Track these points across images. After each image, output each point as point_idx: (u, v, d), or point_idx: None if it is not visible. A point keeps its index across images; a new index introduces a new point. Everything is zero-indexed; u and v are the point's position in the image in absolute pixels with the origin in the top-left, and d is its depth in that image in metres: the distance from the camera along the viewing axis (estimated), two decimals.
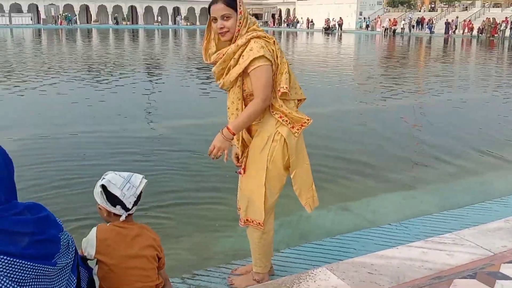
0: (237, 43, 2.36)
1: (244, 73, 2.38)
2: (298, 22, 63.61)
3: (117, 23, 63.48)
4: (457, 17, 46.10)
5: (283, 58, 2.46)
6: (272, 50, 2.40)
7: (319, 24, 56.98)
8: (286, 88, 2.44)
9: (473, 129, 7.52)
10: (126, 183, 2.01)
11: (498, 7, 52.58)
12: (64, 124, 7.44)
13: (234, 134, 2.41)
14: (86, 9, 67.01)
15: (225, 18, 2.35)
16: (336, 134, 7.08)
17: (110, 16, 66.92)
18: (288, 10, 72.60)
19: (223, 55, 2.38)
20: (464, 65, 19.89)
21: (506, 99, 10.71)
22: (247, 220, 2.65)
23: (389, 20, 49.09)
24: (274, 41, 2.44)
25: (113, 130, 7.09)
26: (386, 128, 7.56)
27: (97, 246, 1.99)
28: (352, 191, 4.74)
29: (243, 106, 2.45)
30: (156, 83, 12.81)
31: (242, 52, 2.35)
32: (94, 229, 2.05)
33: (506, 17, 41.71)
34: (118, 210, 2.02)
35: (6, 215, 1.58)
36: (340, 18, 56.20)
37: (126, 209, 2.02)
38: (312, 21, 59.64)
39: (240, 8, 2.36)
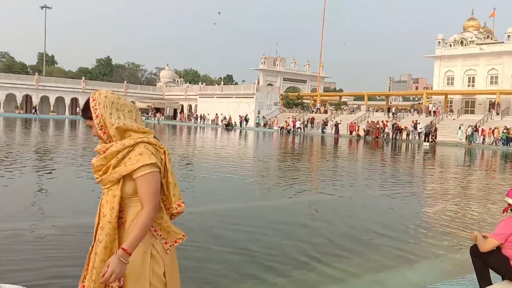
0: (123, 142, 2.27)
1: (127, 176, 2.27)
2: (202, 118, 65.42)
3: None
4: (367, 120, 49.99)
5: (171, 169, 2.40)
6: (161, 159, 2.34)
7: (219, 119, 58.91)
8: (179, 206, 2.43)
9: (362, 226, 7.81)
10: None
11: (382, 111, 58.26)
12: None
13: (130, 254, 2.18)
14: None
15: (90, 127, 2.39)
16: (220, 233, 6.95)
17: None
18: (190, 106, 74.45)
19: (106, 149, 2.29)
20: (359, 164, 21.26)
21: (391, 198, 11.45)
22: None
23: (286, 121, 52.23)
24: (165, 150, 2.37)
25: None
26: (276, 227, 7.59)
27: None
28: None
29: (118, 206, 2.26)
30: (47, 176, 12.05)
31: (127, 153, 2.26)
32: None
33: (383, 121, 46.18)
34: None
35: None
36: (240, 116, 58.82)
37: None
38: (220, 116, 61.49)
39: (96, 112, 2.32)
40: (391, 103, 69.76)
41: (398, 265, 5.81)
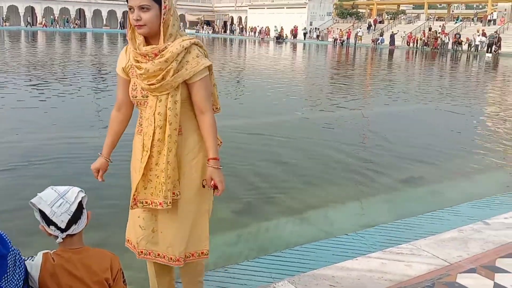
0: (180, 44, 2.06)
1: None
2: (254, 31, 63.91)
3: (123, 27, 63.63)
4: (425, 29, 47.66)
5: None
6: None
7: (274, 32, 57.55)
8: (219, 107, 2.38)
9: (421, 139, 7.73)
10: (59, 199, 1.78)
11: (442, 20, 54.89)
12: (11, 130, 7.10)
13: (219, 159, 2.19)
14: (31, 10, 64.69)
15: (143, 9, 2.01)
16: (285, 144, 7.06)
17: (56, 18, 64.75)
18: (240, 18, 72.94)
19: (160, 51, 2.04)
20: (410, 77, 20.54)
21: (450, 111, 11.14)
22: (186, 256, 2.28)
23: (340, 30, 50.32)
24: (207, 52, 2.24)
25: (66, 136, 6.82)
26: (335, 138, 7.63)
27: (40, 279, 1.79)
28: (308, 202, 4.74)
29: (178, 112, 2.11)
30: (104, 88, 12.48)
31: (184, 55, 2.08)
32: (40, 258, 1.82)
33: (443, 30, 43.51)
34: (53, 230, 1.79)
35: None
36: (296, 27, 57.07)
37: (61, 230, 1.79)
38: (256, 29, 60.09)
39: (165, 2, 2.03)
40: (453, 11, 65.42)
41: (456, 177, 5.80)
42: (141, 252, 2.30)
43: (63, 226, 1.79)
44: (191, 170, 2.21)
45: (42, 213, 1.79)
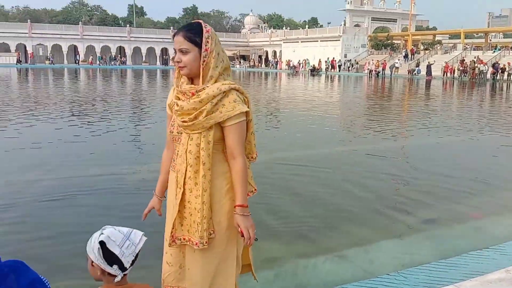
0: (218, 87, 2.10)
1: (216, 123, 2.16)
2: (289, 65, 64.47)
3: (166, 63, 68.84)
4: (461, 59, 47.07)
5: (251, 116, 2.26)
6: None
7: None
8: (256, 156, 2.37)
9: (462, 172, 7.52)
10: (126, 240, 1.84)
11: (480, 49, 54.07)
12: (51, 166, 7.31)
13: (247, 206, 2.17)
14: (74, 49, 67.55)
15: (182, 52, 2.12)
16: (323, 177, 6.99)
17: (97, 56, 67.26)
18: (275, 52, 73.96)
19: (197, 92, 2.11)
20: (450, 108, 20.18)
21: (497, 142, 10.82)
22: None
23: (377, 61, 50.21)
24: (249, 99, 2.25)
25: (101, 172, 6.96)
26: (373, 171, 7.50)
27: None
28: (348, 239, 4.63)
29: (211, 152, 2.15)
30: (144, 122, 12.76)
31: (221, 98, 2.12)
32: None
33: (480, 60, 42.71)
34: (114, 270, 1.84)
35: None
36: (334, 59, 57.47)
37: (123, 269, 1.85)
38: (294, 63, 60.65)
39: (206, 45, 2.11)
40: (490, 40, 64.44)
41: (501, 213, 5.57)
42: None
43: (128, 266, 1.85)
44: (217, 213, 2.20)
45: (106, 253, 1.82)
